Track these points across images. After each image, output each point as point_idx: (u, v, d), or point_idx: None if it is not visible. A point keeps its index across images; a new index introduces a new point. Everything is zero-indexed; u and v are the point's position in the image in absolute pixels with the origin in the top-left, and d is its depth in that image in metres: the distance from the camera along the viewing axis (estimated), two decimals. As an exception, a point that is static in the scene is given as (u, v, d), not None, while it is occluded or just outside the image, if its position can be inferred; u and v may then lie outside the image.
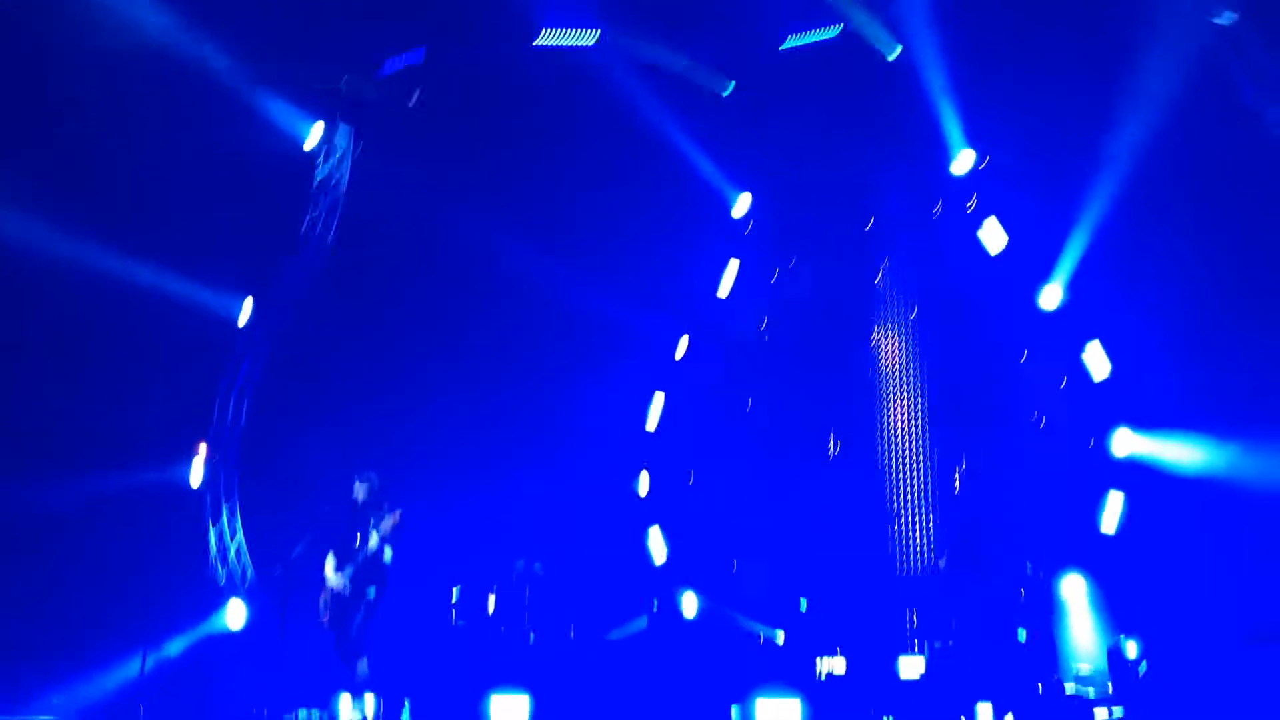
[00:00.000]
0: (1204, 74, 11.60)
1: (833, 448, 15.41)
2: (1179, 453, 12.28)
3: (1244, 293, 11.66)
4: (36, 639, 13.79)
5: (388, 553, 10.35)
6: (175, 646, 13.74)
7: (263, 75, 14.99)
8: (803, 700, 11.03)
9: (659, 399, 16.14)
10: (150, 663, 12.33)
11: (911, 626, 13.14)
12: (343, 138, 16.61)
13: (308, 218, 16.55)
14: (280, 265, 16.43)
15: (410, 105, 16.15)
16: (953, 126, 14.34)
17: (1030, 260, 13.86)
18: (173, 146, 14.43)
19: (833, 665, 12.51)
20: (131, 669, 12.51)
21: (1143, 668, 11.22)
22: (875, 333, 15.59)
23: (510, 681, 12.35)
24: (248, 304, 16.29)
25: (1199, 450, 11.99)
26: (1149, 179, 12.21)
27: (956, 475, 14.24)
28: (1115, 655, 11.46)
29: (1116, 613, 12.29)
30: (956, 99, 14.02)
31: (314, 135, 16.45)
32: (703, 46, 15.19)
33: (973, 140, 14.39)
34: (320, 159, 16.63)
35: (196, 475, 15.76)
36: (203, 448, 15.93)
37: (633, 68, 15.23)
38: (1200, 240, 11.89)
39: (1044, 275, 13.57)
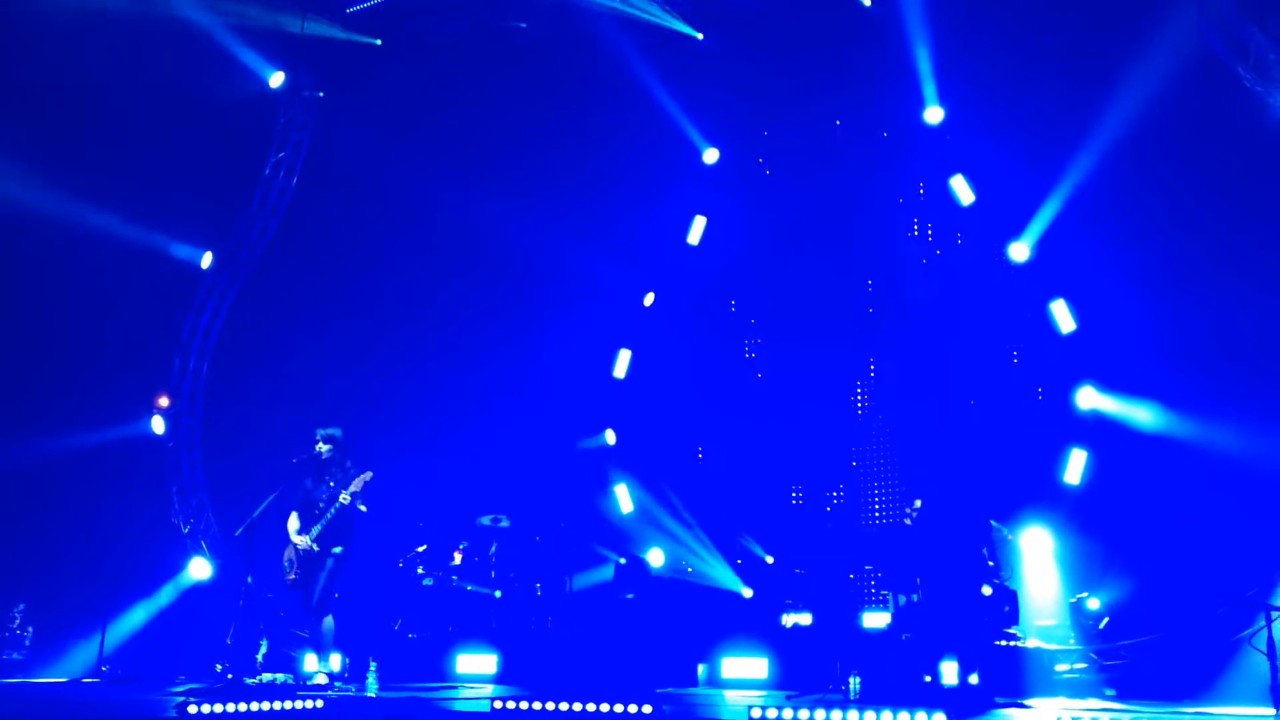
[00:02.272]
0: (1188, 37, 11.54)
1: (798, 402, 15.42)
2: (1142, 414, 12.37)
3: (1221, 256, 11.66)
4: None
5: (358, 508, 10.29)
6: (140, 609, 13.67)
7: (225, 18, 14.67)
8: (770, 658, 11.09)
9: (625, 353, 16.05)
10: (114, 623, 12.23)
11: (876, 581, 13.21)
12: (306, 82, 16.32)
13: (270, 162, 16.28)
14: (242, 212, 16.19)
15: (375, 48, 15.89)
16: (927, 78, 14.23)
17: (1002, 214, 13.81)
18: (131, 90, 14.15)
19: (799, 619, 12.59)
20: (94, 627, 12.42)
21: (1103, 622, 11.34)
22: (843, 284, 15.50)
23: (477, 637, 12.37)
24: (209, 252, 16.06)
25: (1162, 415, 12.09)
26: (1129, 139, 12.17)
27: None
28: (1077, 610, 11.58)
29: (1079, 567, 12.41)
30: (933, 50, 13.89)
31: (276, 80, 16.15)
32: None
33: (948, 93, 14.27)
34: (283, 104, 16.33)
35: (157, 427, 15.61)
36: (163, 400, 15.76)
37: (602, 14, 14.99)
38: (1178, 202, 11.86)
39: (1016, 230, 13.53)
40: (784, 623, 12.47)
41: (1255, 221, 11.59)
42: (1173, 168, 11.97)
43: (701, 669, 11.50)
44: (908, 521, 12.40)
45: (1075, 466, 12.83)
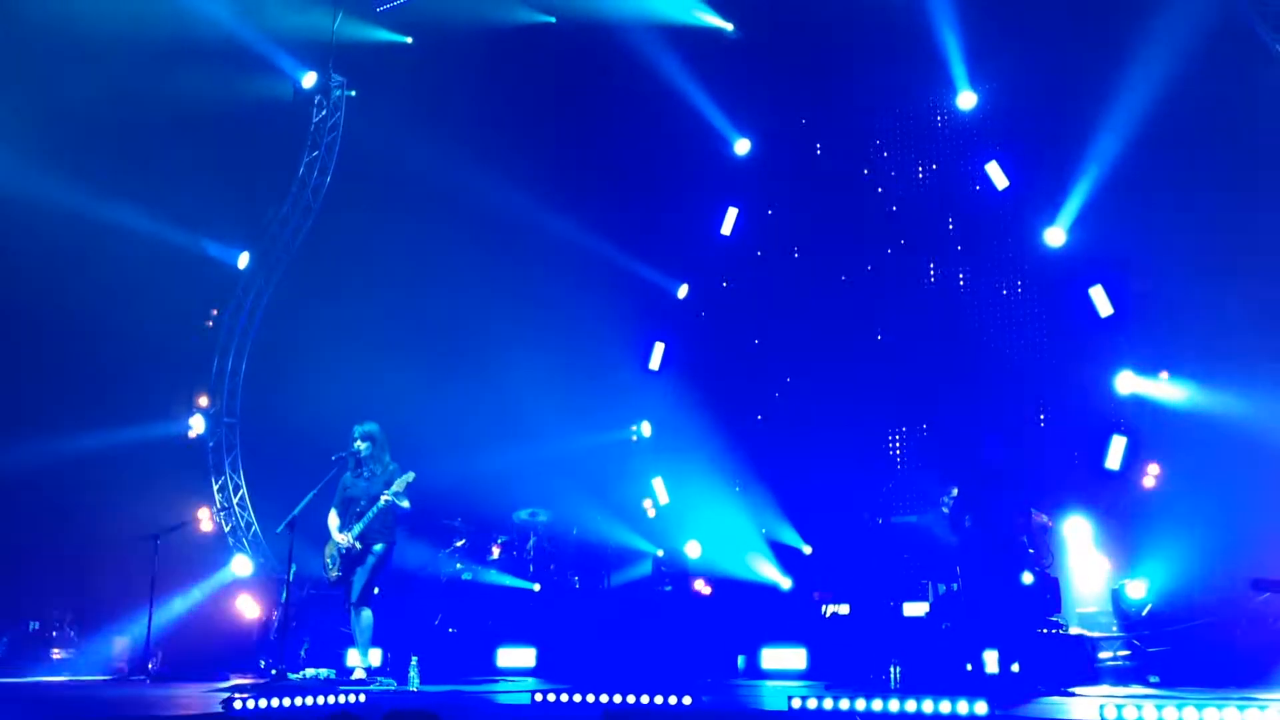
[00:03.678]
0: (1220, 16, 11.41)
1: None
2: (1182, 395, 12.26)
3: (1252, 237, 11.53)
4: (42, 589, 13.91)
5: (403, 504, 10.34)
6: (184, 607, 13.82)
7: (258, 23, 14.81)
8: (809, 648, 11.08)
9: (659, 345, 16.07)
10: (159, 621, 12.36)
11: (915, 570, 13.11)
12: (338, 81, 16.44)
13: (304, 161, 16.41)
14: (277, 211, 16.34)
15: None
16: (958, 64, 14.15)
17: (1036, 199, 13.72)
18: (168, 97, 14.35)
19: (837, 608, 12.54)
20: (139, 625, 12.56)
21: (1146, 609, 11.23)
22: (879, 273, 15.43)
23: (516, 631, 12.42)
24: (245, 252, 16.21)
25: (1203, 395, 11.96)
26: (1160, 121, 12.05)
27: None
28: (1119, 597, 11.48)
29: (1121, 553, 12.31)
30: (966, 34, 13.79)
31: (309, 80, 16.28)
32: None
33: (982, 77, 14.19)
34: (316, 104, 16.46)
35: (197, 427, 15.78)
36: (203, 399, 15.94)
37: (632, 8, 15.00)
38: (1209, 184, 11.72)
39: (1050, 214, 13.43)
40: (824, 612, 12.43)
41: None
42: (1205, 151, 11.82)
43: (741, 660, 11.50)
44: (945, 510, 12.32)
45: (1116, 452, 12.72)
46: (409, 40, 16.01)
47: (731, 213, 15.86)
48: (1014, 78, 13.74)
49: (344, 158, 16.40)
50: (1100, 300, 13.04)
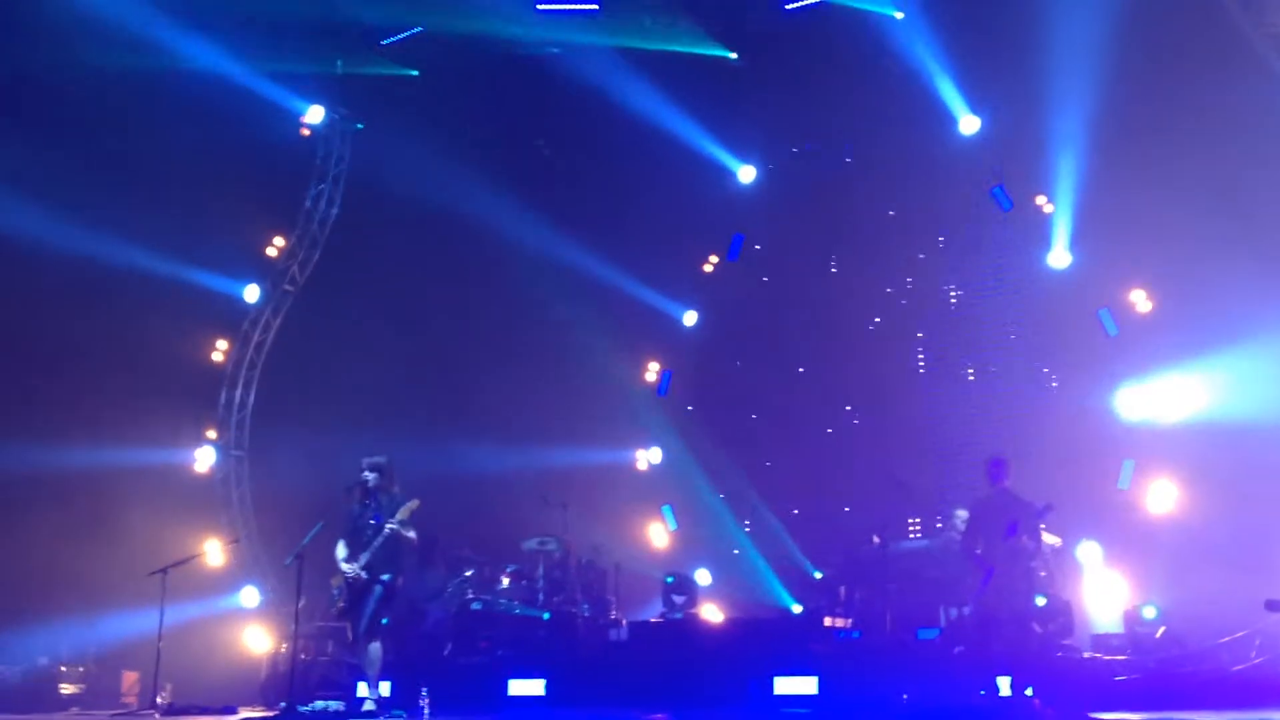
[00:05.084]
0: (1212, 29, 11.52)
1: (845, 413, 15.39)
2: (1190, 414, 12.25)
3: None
4: (51, 624, 13.87)
5: (409, 534, 10.30)
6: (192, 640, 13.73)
7: (263, 63, 14.94)
8: (821, 674, 10.98)
9: (668, 371, 16.10)
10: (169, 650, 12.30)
11: (926, 594, 13.01)
12: (344, 114, 16.55)
13: (310, 194, 16.49)
14: (285, 244, 16.40)
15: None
16: (956, 90, 14.23)
17: (1040, 221, 13.76)
18: (178, 135, 14.48)
19: (842, 623, 12.45)
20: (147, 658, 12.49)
21: (1160, 631, 11.16)
22: (885, 297, 15.45)
23: (527, 660, 12.34)
24: (253, 285, 16.27)
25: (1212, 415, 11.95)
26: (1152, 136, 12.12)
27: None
28: (1133, 620, 11.40)
29: (1135, 576, 12.25)
30: (967, 60, 13.87)
31: (315, 114, 16.37)
32: (704, 14, 14.98)
33: (979, 102, 14.25)
34: (321, 137, 16.56)
35: (205, 459, 15.80)
36: (210, 432, 15.96)
37: (634, 37, 15.05)
38: (1203, 193, 11.73)
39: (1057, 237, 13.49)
40: (826, 623, 12.29)
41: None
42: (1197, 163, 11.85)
43: (752, 686, 11.39)
44: (956, 535, 12.25)
45: (1126, 475, 12.68)
46: (415, 73, 16.07)
47: (736, 239, 15.91)
48: (1016, 101, 13.76)
49: (351, 190, 16.46)
50: (1108, 321, 13.03)
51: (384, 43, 15.95)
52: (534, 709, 11.20)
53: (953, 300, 15.06)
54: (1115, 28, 12.29)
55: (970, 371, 14.85)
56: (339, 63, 15.86)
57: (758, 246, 16.32)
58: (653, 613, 13.85)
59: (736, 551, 15.06)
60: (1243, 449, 11.44)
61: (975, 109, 14.32)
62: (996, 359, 14.54)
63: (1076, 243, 13.52)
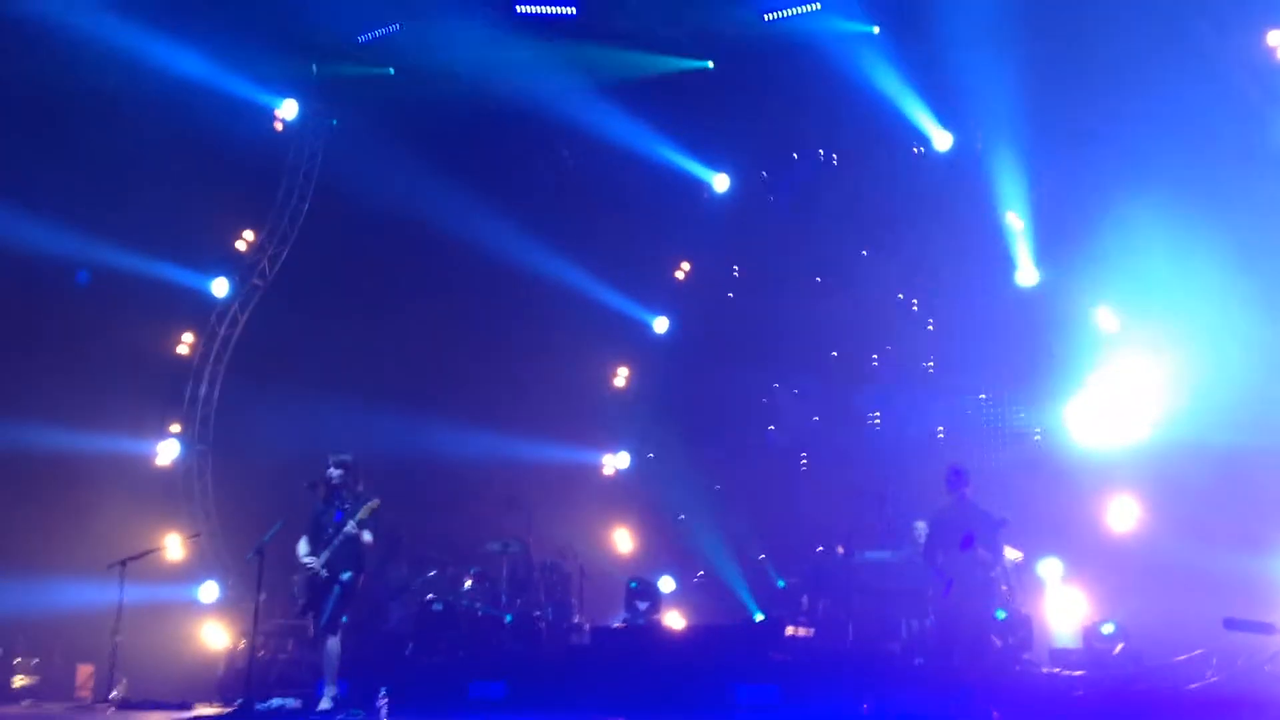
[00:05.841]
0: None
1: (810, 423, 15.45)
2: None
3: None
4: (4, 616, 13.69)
5: (365, 537, 10.23)
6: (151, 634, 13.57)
7: (237, 59, 14.86)
8: (782, 682, 10.98)
9: (636, 376, 16.11)
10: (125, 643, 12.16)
11: (886, 606, 13.05)
12: (317, 110, 16.46)
13: (281, 189, 16.39)
14: (255, 239, 16.30)
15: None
16: (930, 105, 14.34)
17: (1009, 239, 13.88)
18: (148, 128, 14.39)
19: (802, 631, 12.47)
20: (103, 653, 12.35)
21: (1119, 647, 11.23)
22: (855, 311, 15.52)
23: (489, 663, 12.28)
24: (221, 279, 16.15)
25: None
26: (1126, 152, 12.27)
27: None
28: (1092, 635, 11.48)
29: (1094, 592, 12.34)
30: (942, 76, 13.97)
31: (289, 109, 16.27)
32: (681, 24, 15.02)
33: (954, 118, 14.35)
34: (294, 132, 16.47)
35: (168, 452, 15.65)
36: (174, 426, 15.82)
37: (610, 43, 15.07)
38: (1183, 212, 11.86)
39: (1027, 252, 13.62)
40: (787, 631, 12.30)
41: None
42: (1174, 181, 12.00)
43: (714, 692, 11.37)
44: (919, 545, 12.31)
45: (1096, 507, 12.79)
46: (390, 71, 16.00)
47: (705, 249, 15.96)
48: (991, 117, 13.88)
49: (323, 186, 16.37)
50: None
51: (360, 39, 15.89)
52: (494, 711, 11.13)
53: (914, 308, 15.15)
54: (1082, 42, 12.48)
55: (929, 368, 14.93)
56: (314, 66, 15.82)
57: (736, 270, 16.32)
58: (616, 618, 13.81)
59: (701, 574, 15.04)
60: (1203, 468, 11.57)
61: (948, 125, 14.41)
62: (963, 373, 14.61)
63: (1044, 260, 13.64)
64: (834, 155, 15.72)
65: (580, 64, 15.14)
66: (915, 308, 15.23)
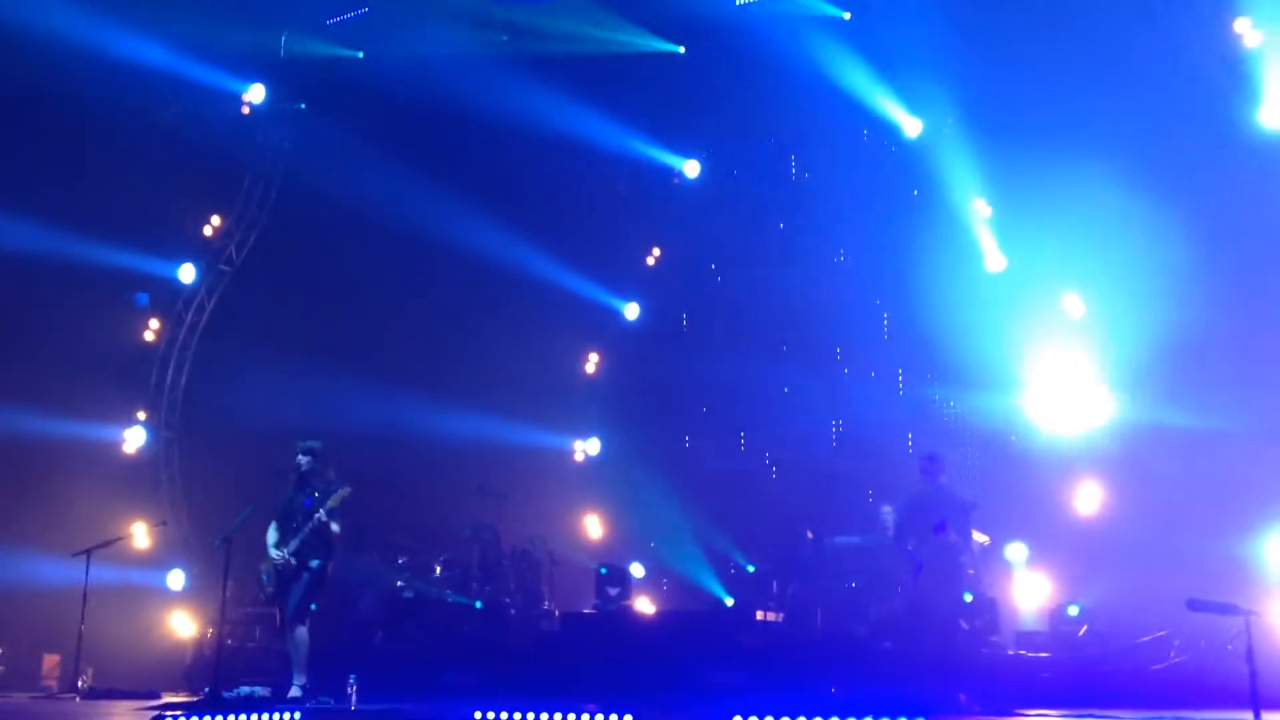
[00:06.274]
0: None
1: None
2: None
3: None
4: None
5: (334, 526, 10.21)
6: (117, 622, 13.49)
7: (204, 38, 14.71)
8: (751, 667, 11.05)
9: (606, 362, 16.11)
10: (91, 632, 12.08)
11: (855, 590, 13.14)
12: (285, 95, 16.33)
13: (249, 176, 16.27)
14: (221, 225, 16.18)
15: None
16: (899, 92, 14.36)
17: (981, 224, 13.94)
18: (112, 112, 14.22)
19: (772, 616, 12.53)
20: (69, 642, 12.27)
21: (1083, 630, 11.35)
22: (825, 296, 15.56)
23: (459, 650, 12.29)
24: (189, 264, 16.03)
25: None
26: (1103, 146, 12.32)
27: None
28: (1058, 617, 11.60)
29: (1060, 575, 12.46)
30: (912, 62, 13.98)
31: (256, 93, 16.13)
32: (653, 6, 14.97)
33: (924, 104, 14.38)
34: (262, 117, 16.33)
35: (135, 439, 15.54)
36: (141, 413, 15.71)
37: (584, 25, 15.00)
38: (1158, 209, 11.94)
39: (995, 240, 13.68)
40: (757, 616, 12.35)
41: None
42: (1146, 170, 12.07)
43: (684, 677, 11.43)
44: (887, 530, 12.41)
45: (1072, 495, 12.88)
46: (360, 55, 15.89)
47: (676, 235, 15.96)
48: (962, 103, 13.90)
49: (291, 171, 16.25)
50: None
51: (329, 22, 15.77)
52: (464, 698, 11.14)
53: (878, 303, 15.21)
54: (1056, 30, 12.54)
55: (900, 372, 15.02)
56: (282, 39, 15.65)
57: (708, 258, 16.33)
58: (586, 604, 13.83)
59: (653, 544, 15.05)
60: (1166, 452, 11.69)
61: (916, 111, 14.44)
62: (930, 360, 14.66)
63: (1011, 246, 13.71)
64: (803, 140, 15.68)
65: (551, 47, 15.08)
66: (879, 299, 15.26)
